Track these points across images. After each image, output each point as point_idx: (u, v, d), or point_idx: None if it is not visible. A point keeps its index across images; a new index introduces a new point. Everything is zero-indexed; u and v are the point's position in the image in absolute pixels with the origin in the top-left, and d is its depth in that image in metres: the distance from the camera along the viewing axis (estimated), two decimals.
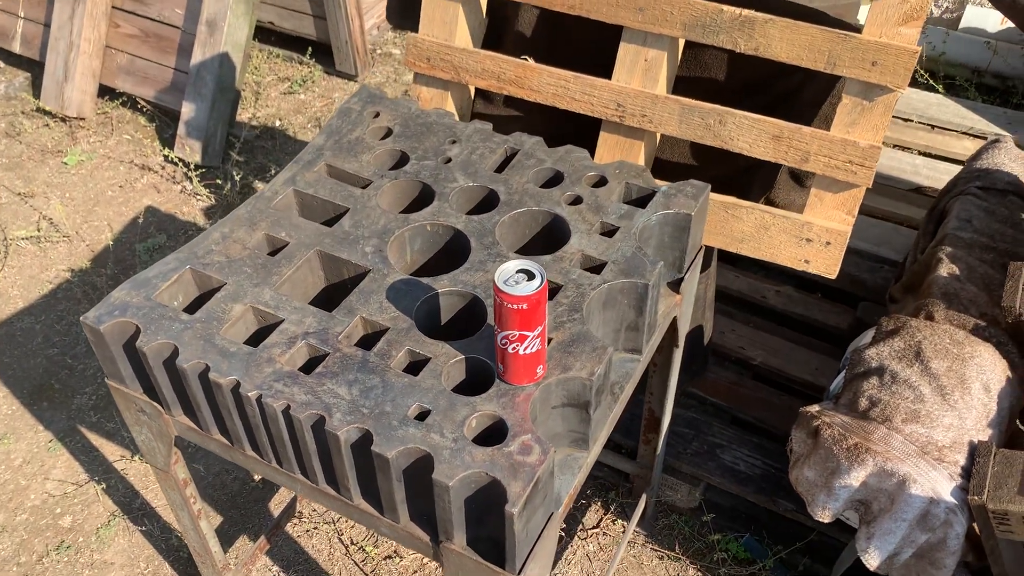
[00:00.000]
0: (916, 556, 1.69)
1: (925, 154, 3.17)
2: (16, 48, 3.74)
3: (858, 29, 1.72)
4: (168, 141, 3.45)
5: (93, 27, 3.45)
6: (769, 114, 1.74)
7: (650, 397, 1.96)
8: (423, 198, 1.58)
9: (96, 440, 2.44)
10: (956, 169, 3.05)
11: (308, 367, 1.29)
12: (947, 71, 3.67)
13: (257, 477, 2.35)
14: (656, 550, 2.18)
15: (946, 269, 1.97)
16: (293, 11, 3.75)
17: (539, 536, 1.22)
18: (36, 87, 3.77)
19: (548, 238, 1.52)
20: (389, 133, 1.70)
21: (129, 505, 2.28)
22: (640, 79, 1.79)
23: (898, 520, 1.63)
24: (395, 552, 2.18)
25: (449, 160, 1.63)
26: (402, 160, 1.65)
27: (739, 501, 2.26)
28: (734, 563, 2.14)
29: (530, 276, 1.15)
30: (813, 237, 1.72)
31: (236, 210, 1.53)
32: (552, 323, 1.31)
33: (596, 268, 1.41)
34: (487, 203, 1.56)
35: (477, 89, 2.08)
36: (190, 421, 1.40)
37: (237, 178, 3.22)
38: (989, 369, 1.71)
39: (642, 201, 1.57)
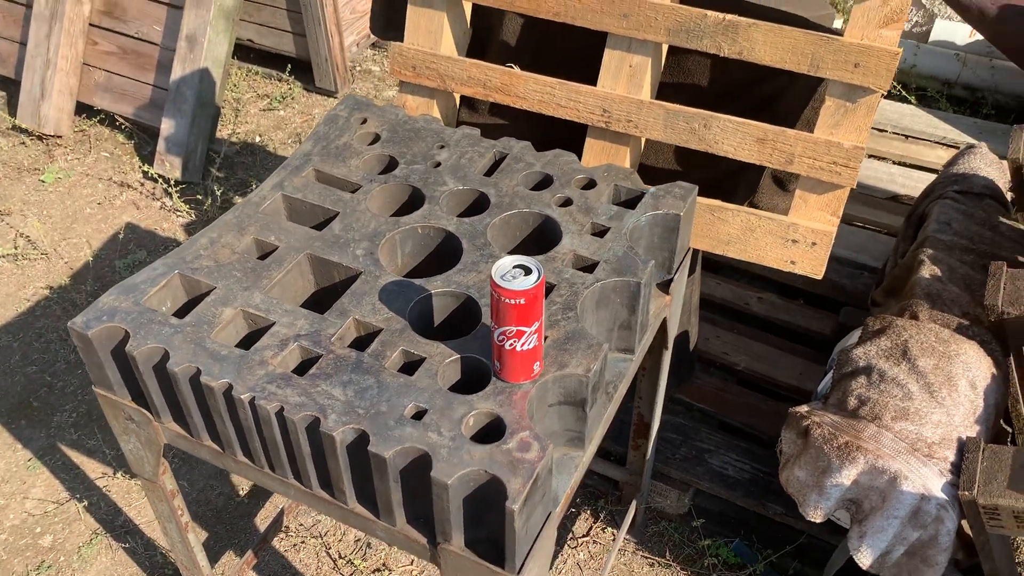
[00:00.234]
0: (908, 554, 1.69)
1: (901, 163, 3.22)
2: None
3: (838, 34, 1.75)
4: (147, 158, 3.42)
5: (70, 45, 3.43)
6: (752, 119, 1.76)
7: (639, 402, 1.97)
8: (413, 202, 1.58)
9: (77, 458, 2.39)
10: (931, 177, 3.10)
11: (301, 369, 1.28)
12: (919, 83, 3.74)
13: (242, 492, 2.32)
14: (646, 557, 2.18)
15: (928, 270, 1.99)
16: (272, 28, 3.76)
17: (538, 535, 1.21)
18: (12, 105, 3.74)
19: (540, 239, 1.52)
20: (377, 139, 1.70)
21: (112, 523, 2.24)
22: (625, 85, 1.80)
23: (890, 517, 1.64)
24: (384, 565, 2.16)
25: (438, 164, 1.63)
26: (391, 165, 1.65)
27: (728, 506, 2.26)
28: (724, 568, 2.14)
29: (527, 271, 1.15)
30: (799, 238, 1.74)
31: (224, 215, 1.52)
32: (547, 322, 1.31)
33: (588, 268, 1.42)
34: (477, 206, 1.56)
35: (462, 98, 2.09)
36: (180, 428, 1.38)
37: (218, 192, 3.20)
38: (975, 366, 1.72)
39: (631, 203, 1.58)
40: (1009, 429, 2.08)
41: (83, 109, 3.63)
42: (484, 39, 2.08)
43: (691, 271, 2.20)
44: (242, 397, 1.21)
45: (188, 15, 3.19)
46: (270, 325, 1.32)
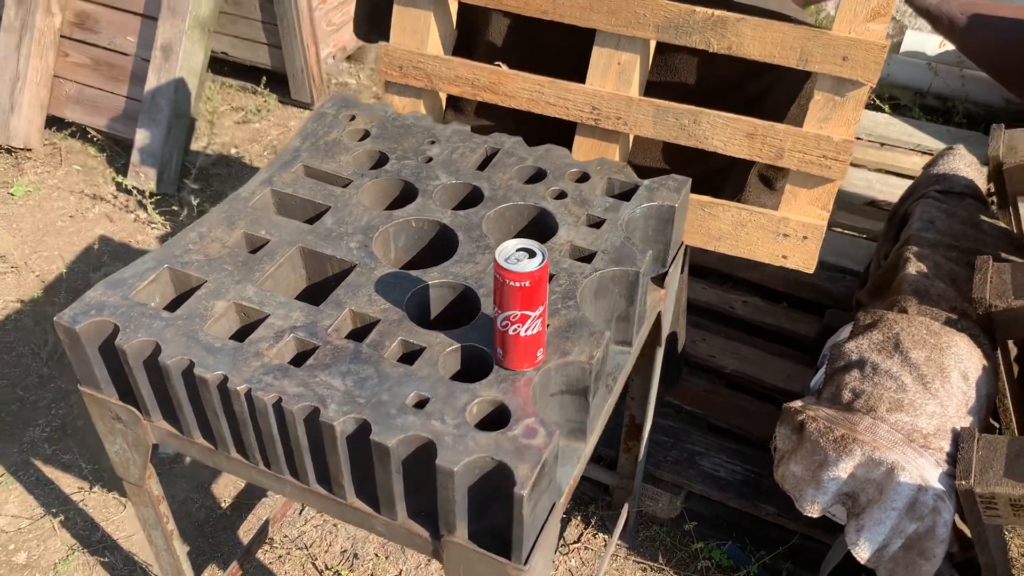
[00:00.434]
0: (904, 548, 1.68)
1: (877, 170, 3.26)
2: None
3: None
4: (120, 170, 3.37)
5: (41, 57, 3.38)
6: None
7: (631, 403, 1.95)
8: (405, 196, 1.56)
9: (51, 472, 2.32)
10: (907, 183, 3.14)
11: (298, 361, 1.25)
12: (892, 93, 3.80)
13: (224, 504, 2.26)
14: (639, 562, 2.15)
15: (914, 267, 2.01)
16: (247, 40, 3.73)
17: (543, 526, 1.18)
18: None
19: (535, 231, 1.51)
20: (366, 135, 1.68)
21: (89, 538, 2.17)
22: (614, 82, 1.80)
23: (887, 509, 1.63)
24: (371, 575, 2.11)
25: (430, 159, 1.61)
26: (381, 160, 1.62)
27: (719, 509, 2.24)
28: (718, 571, 2.12)
29: (531, 254, 1.13)
30: (790, 232, 1.74)
31: (212, 210, 1.49)
32: (548, 310, 1.29)
33: (586, 258, 1.40)
34: (471, 199, 1.55)
35: (448, 99, 2.08)
36: (170, 426, 1.34)
37: (195, 203, 3.15)
38: (966, 358, 1.73)
39: (625, 196, 1.57)
40: (996, 424, 2.09)
41: (54, 122, 3.57)
42: (470, 42, 2.07)
43: (680, 270, 2.19)
44: (238, 389, 1.17)
45: (163, 25, 3.15)
46: (264, 317, 1.29)
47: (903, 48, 3.85)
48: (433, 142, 1.66)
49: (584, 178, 1.58)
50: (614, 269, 1.37)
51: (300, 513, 2.24)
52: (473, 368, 1.25)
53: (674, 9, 1.70)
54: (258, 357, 1.22)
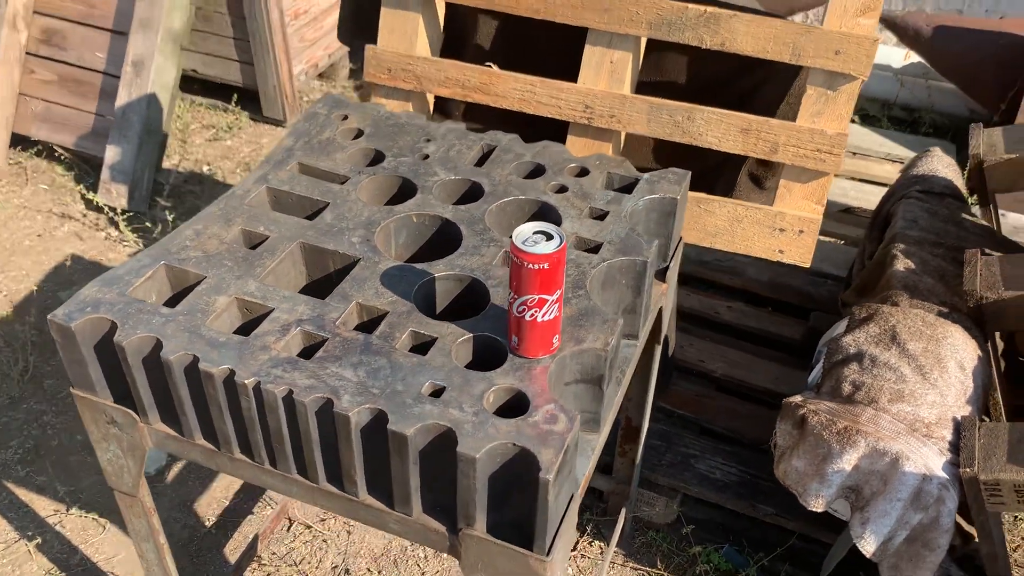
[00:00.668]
0: (909, 540, 1.68)
1: (851, 178, 3.31)
2: None
3: None
4: (90, 189, 3.29)
5: (6, 74, 3.30)
6: None
7: (627, 403, 1.93)
8: (404, 192, 1.53)
9: (26, 495, 2.23)
10: (881, 190, 3.19)
11: (306, 354, 1.21)
12: (860, 104, 3.87)
13: (208, 523, 2.19)
14: (637, 568, 2.12)
15: (902, 264, 2.02)
16: (218, 57, 3.69)
17: (563, 517, 1.15)
18: None
19: None
20: (360, 134, 1.66)
21: (67, 561, 2.08)
22: (606, 80, 1.80)
23: (893, 500, 1.63)
24: None
25: (427, 156, 1.59)
26: (377, 158, 1.60)
27: (715, 512, 2.23)
28: (717, 575, 2.09)
29: (548, 237, 1.11)
30: (786, 227, 1.75)
31: (207, 208, 1.45)
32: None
33: (592, 249, 1.39)
34: (471, 195, 1.53)
35: (436, 103, 2.06)
36: (168, 428, 1.29)
37: (170, 218, 3.08)
38: (962, 348, 1.74)
39: (625, 190, 1.56)
40: (986, 419, 2.10)
41: (19, 140, 3.48)
42: (457, 45, 2.07)
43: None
44: (246, 382, 1.13)
45: (135, 39, 3.10)
46: (269, 312, 1.25)
47: None
48: (429, 140, 1.64)
49: (583, 173, 1.57)
50: (621, 259, 1.36)
51: (288, 529, 2.18)
52: (486, 358, 1.22)
53: (667, 6, 1.71)
54: (265, 351, 1.18)
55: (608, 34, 1.77)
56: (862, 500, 1.68)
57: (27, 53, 3.35)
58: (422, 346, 1.22)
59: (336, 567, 2.11)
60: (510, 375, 1.16)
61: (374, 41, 1.95)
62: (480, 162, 1.62)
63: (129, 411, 1.29)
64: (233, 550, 2.13)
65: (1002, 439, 1.60)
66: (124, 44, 3.19)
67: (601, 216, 1.46)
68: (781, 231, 1.75)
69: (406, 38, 1.90)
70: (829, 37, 1.63)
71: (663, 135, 1.77)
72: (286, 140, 1.62)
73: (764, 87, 1.92)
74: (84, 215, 3.20)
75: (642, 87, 1.93)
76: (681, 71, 1.91)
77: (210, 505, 2.23)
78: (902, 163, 3.43)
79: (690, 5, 1.69)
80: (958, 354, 1.73)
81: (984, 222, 2.26)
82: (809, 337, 2.53)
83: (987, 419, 2.10)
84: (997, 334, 2.00)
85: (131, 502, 1.45)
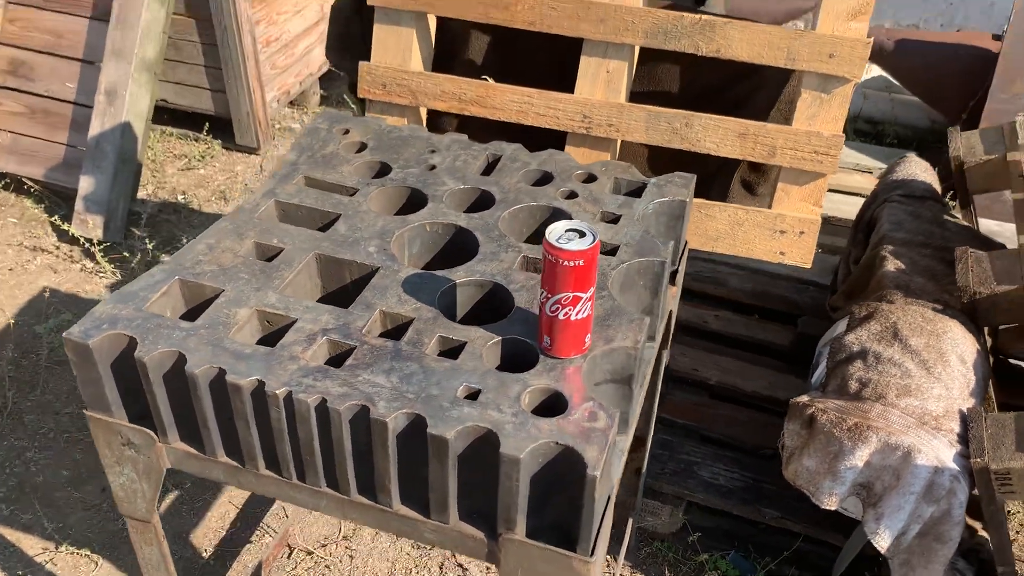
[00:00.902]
0: (920, 535, 1.70)
1: None
2: None
3: None
4: (63, 219, 3.22)
5: None
6: None
7: None
8: (413, 203, 1.52)
9: (12, 535, 2.15)
10: (854, 199, 3.26)
11: (334, 363, 1.19)
12: None
13: (206, 554, 2.13)
14: None
15: (892, 264, 2.06)
16: (189, 86, 3.65)
17: (602, 518, 1.14)
18: None
19: None
20: (363, 147, 1.65)
21: None
22: (603, 90, 1.82)
23: (906, 494, 1.64)
24: None
25: (433, 167, 1.59)
26: (383, 170, 1.59)
27: (719, 520, 2.23)
28: None
29: (581, 234, 1.11)
30: (787, 228, 1.77)
31: (217, 223, 1.43)
32: None
33: (610, 252, 1.39)
34: (481, 203, 1.52)
35: (428, 118, 2.06)
36: (189, 446, 1.25)
37: (150, 246, 3.03)
38: (962, 342, 1.78)
39: (633, 194, 1.57)
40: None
41: None
42: (447, 62, 2.07)
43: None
44: (276, 392, 1.11)
45: (107, 68, 3.06)
46: (292, 323, 1.23)
47: None
48: (433, 151, 1.64)
49: (591, 179, 1.58)
50: (640, 260, 1.36)
51: (289, 556, 2.13)
52: (515, 361, 1.21)
53: (662, 15, 1.73)
54: (294, 360, 1.16)
55: (604, 44, 1.79)
56: (874, 496, 1.70)
57: None
58: (451, 351, 1.21)
59: None
60: (544, 375, 1.15)
61: (361, 59, 1.94)
62: (487, 171, 1.62)
63: (147, 431, 1.25)
64: None
65: (1009, 429, 1.63)
66: (95, 73, 3.14)
67: (614, 220, 1.47)
68: (782, 233, 1.77)
69: (400, 53, 1.90)
70: (822, 41, 1.67)
71: (662, 142, 1.79)
72: (289, 155, 1.61)
73: (755, 95, 1.95)
74: (57, 247, 3.13)
75: (635, 97, 1.95)
76: (674, 81, 1.94)
77: (206, 536, 2.17)
78: (871, 173, 3.51)
79: (685, 13, 1.72)
80: (958, 348, 1.76)
81: (965, 223, 2.31)
82: (798, 342, 2.56)
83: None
84: (985, 331, 2.05)
85: (143, 528, 1.40)
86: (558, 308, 1.13)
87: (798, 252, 1.78)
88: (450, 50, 2.05)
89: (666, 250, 1.38)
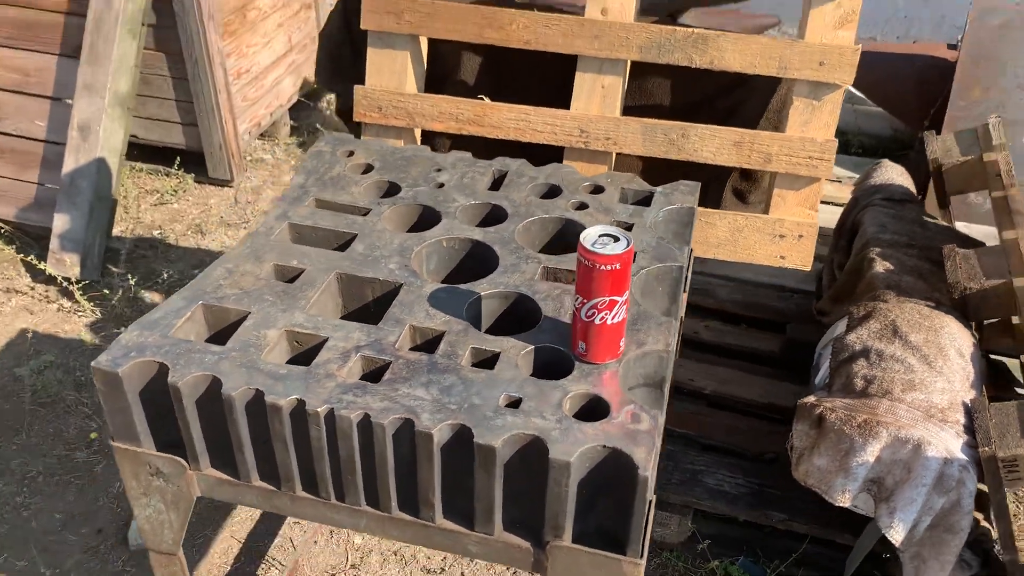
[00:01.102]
0: (931, 527, 1.73)
1: None
2: None
3: None
4: (37, 259, 3.15)
5: None
6: None
7: None
8: (427, 220, 1.53)
9: None
10: (827, 208, 3.33)
11: (371, 379, 1.18)
12: None
13: None
14: None
15: (881, 266, 2.11)
16: (160, 121, 3.62)
17: (646, 521, 1.15)
18: None
19: (565, 241, 1.51)
20: (369, 168, 1.65)
21: None
22: (599, 105, 1.85)
23: (917, 487, 1.67)
24: None
25: (442, 185, 1.60)
26: (392, 189, 1.60)
27: (725, 527, 2.24)
28: None
29: (615, 239, 1.13)
30: (786, 232, 1.81)
31: (234, 248, 1.42)
32: None
33: None
34: (494, 218, 1.54)
35: (423, 140, 2.08)
36: (221, 472, 1.24)
37: (132, 281, 2.98)
38: (958, 336, 1.83)
39: (641, 203, 1.59)
40: None
41: None
42: (439, 86, 2.09)
43: None
44: (318, 410, 1.10)
45: (80, 103, 3.02)
46: (323, 341, 1.22)
47: None
48: (439, 169, 1.65)
49: (598, 190, 1.60)
50: (658, 265, 1.39)
51: None
52: (549, 369, 1.22)
53: (656, 30, 1.77)
54: (331, 378, 1.15)
55: (599, 60, 1.82)
56: (885, 491, 1.73)
57: None
58: (485, 362, 1.21)
59: None
60: (582, 381, 1.16)
61: (352, 83, 1.95)
62: (494, 187, 1.63)
63: (177, 458, 1.23)
64: None
65: (1012, 417, 1.68)
66: (65, 110, 3.10)
67: (627, 228, 1.49)
68: (781, 237, 1.81)
69: (395, 76, 1.91)
70: (812, 49, 1.72)
71: (659, 153, 1.82)
72: (297, 178, 1.61)
73: (743, 106, 2.00)
74: (32, 288, 3.06)
75: (627, 112, 1.98)
76: (664, 94, 1.98)
77: (210, 572, 2.13)
78: (840, 182, 3.60)
79: (678, 28, 1.76)
80: (956, 342, 1.81)
81: (944, 223, 2.38)
82: (788, 349, 2.60)
83: None
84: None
85: (168, 562, 1.37)
86: (594, 313, 1.14)
87: (798, 255, 1.82)
88: (441, 72, 2.07)
89: (682, 255, 1.41)
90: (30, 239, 3.27)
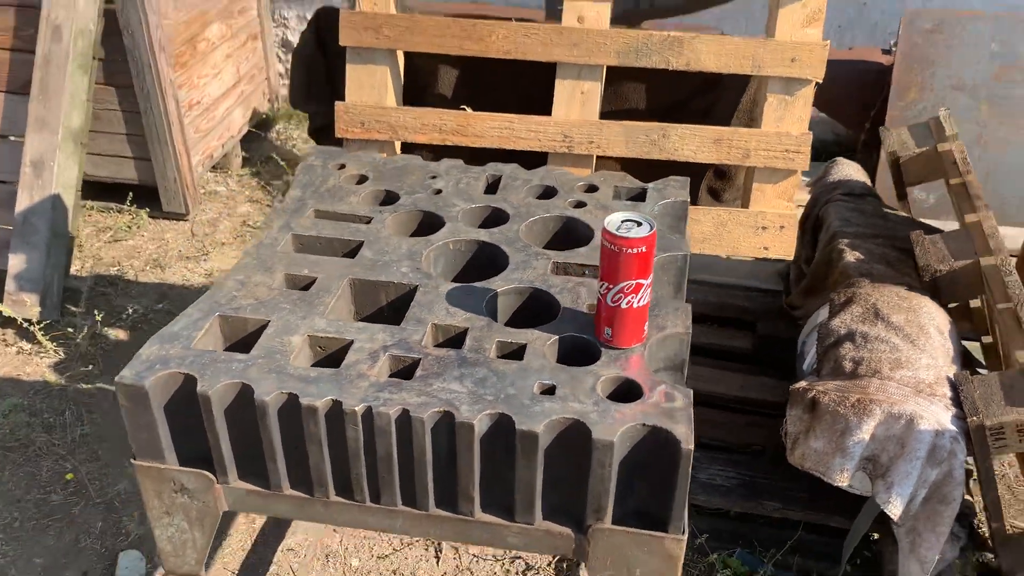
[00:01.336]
0: (926, 499, 1.79)
1: None
2: None
3: None
4: None
5: None
6: None
7: None
8: (429, 225, 1.54)
9: None
10: None
11: (402, 376, 1.18)
12: None
13: None
14: None
15: (851, 256, 2.19)
16: (111, 156, 3.55)
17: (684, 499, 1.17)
18: None
19: (569, 238, 1.53)
20: (363, 179, 1.66)
21: None
22: (579, 110, 1.89)
23: (912, 460, 1.73)
24: None
25: (439, 191, 1.61)
26: (390, 198, 1.60)
27: (718, 522, 2.27)
28: None
29: (637, 224, 1.16)
30: (768, 224, 1.87)
31: (240, 260, 1.41)
32: None
33: None
34: (495, 219, 1.56)
35: (403, 152, 2.09)
36: (250, 484, 1.22)
37: (99, 318, 2.90)
38: (936, 315, 1.90)
39: (635, 199, 1.63)
40: None
41: None
42: (416, 100, 2.11)
43: None
44: (356, 409, 1.10)
45: (32, 139, 2.95)
46: (347, 344, 1.22)
47: None
48: (434, 176, 1.66)
49: (592, 188, 1.64)
50: (664, 255, 1.42)
51: None
52: (575, 357, 1.24)
53: (632, 35, 1.83)
54: (363, 378, 1.15)
55: (577, 66, 1.87)
56: (880, 468, 1.78)
57: None
58: (511, 355, 1.23)
59: None
60: (611, 365, 1.18)
61: (326, 104, 1.96)
62: (490, 190, 1.65)
63: (204, 472, 1.21)
64: None
65: (995, 387, 1.75)
66: (15, 148, 3.02)
67: None
68: (764, 229, 1.87)
69: (375, 91, 1.93)
70: (784, 47, 1.79)
71: (641, 154, 1.87)
72: (293, 191, 1.60)
73: (716, 107, 2.06)
74: None
75: (604, 117, 2.03)
76: (640, 99, 2.03)
77: None
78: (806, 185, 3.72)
79: (653, 32, 1.82)
80: (935, 320, 1.89)
81: (904, 213, 2.48)
82: (760, 344, 2.67)
83: None
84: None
85: None
86: (620, 297, 1.16)
87: (781, 245, 1.88)
88: (418, 86, 2.09)
89: (685, 244, 1.45)
90: None
